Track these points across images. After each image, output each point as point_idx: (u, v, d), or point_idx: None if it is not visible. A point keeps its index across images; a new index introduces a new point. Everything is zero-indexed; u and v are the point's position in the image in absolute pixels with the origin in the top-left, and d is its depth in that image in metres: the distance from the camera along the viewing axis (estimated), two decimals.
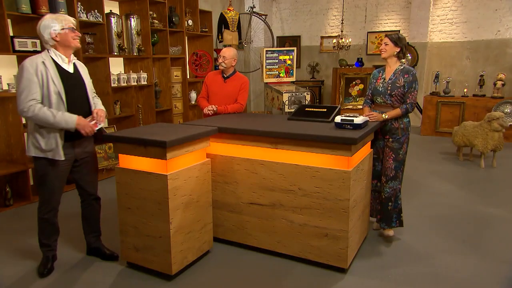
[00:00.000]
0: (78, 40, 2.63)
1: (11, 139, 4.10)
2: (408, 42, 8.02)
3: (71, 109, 2.57)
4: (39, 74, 2.48)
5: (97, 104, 2.80)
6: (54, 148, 2.55)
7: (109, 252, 2.96)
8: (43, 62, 2.50)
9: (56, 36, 2.52)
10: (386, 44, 3.08)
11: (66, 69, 2.61)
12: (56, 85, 2.51)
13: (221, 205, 3.11)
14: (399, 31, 8.45)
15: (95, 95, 2.86)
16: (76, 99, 2.63)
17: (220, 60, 3.74)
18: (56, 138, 2.55)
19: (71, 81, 2.61)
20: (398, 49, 3.05)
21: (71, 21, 2.59)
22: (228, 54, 3.72)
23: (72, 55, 2.69)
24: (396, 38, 3.05)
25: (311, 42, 9.47)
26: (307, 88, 7.16)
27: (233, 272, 2.80)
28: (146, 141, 2.53)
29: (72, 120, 2.53)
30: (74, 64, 2.69)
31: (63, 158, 2.58)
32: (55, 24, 2.51)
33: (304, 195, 2.74)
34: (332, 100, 8.20)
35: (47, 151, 2.55)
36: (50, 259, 2.81)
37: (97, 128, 2.66)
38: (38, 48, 4.06)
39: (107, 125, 5.41)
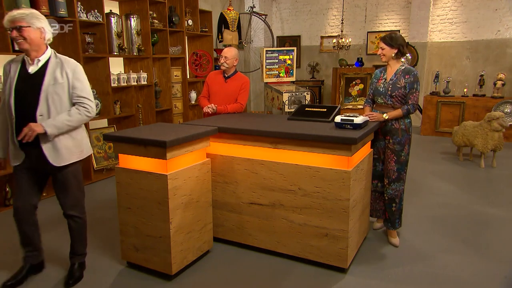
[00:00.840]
0: (21, 42, 2.33)
1: None
2: (408, 42, 8.02)
3: (18, 115, 2.40)
4: (6, 76, 2.46)
5: (61, 116, 2.41)
6: None
7: (76, 274, 2.68)
8: (9, 63, 2.48)
9: None
10: (382, 49, 3.04)
11: (28, 70, 2.43)
12: (11, 87, 2.41)
13: (221, 205, 3.11)
14: (399, 31, 8.45)
15: (81, 99, 2.48)
16: (23, 105, 2.40)
17: (221, 60, 3.74)
18: None
19: (26, 83, 2.41)
20: (395, 50, 3.00)
21: (12, 21, 2.30)
22: (230, 54, 3.72)
23: (49, 53, 2.46)
24: (389, 40, 2.99)
25: (311, 42, 9.47)
26: (307, 88, 7.16)
27: (233, 272, 2.80)
28: (146, 141, 2.53)
29: None
30: (46, 63, 2.43)
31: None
32: None
33: (304, 195, 2.74)
34: (332, 100, 8.20)
35: None
36: (24, 267, 2.64)
37: None
38: None
39: (106, 125, 5.42)
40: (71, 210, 2.63)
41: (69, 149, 2.50)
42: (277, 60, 6.57)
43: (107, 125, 5.43)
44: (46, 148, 2.43)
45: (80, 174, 2.66)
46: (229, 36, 7.39)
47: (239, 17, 7.55)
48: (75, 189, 2.61)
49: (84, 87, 2.51)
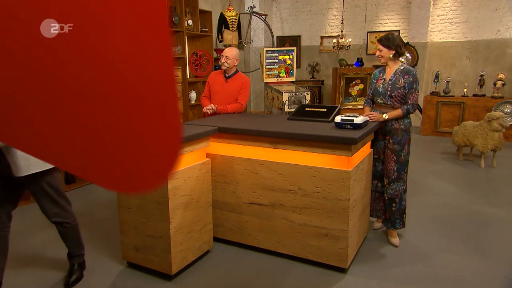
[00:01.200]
0: None
1: None
2: (407, 42, 8.02)
3: None
4: None
5: None
6: None
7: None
8: None
9: None
10: (380, 50, 3.03)
11: None
12: None
13: (221, 205, 3.11)
14: (398, 31, 8.45)
15: None
16: None
17: (222, 60, 3.73)
18: None
19: None
20: (393, 51, 2.99)
21: None
22: (231, 54, 3.72)
23: None
24: (386, 41, 2.97)
25: (311, 42, 9.47)
26: (307, 88, 7.16)
27: (233, 272, 2.80)
28: None
29: None
30: None
31: None
32: None
33: (304, 195, 2.74)
34: (332, 100, 8.20)
35: None
36: None
37: None
38: None
39: None
40: (55, 217, 2.55)
41: (28, 159, 2.34)
42: (277, 60, 6.57)
43: None
44: (8, 157, 2.33)
45: (57, 182, 2.54)
46: (229, 36, 7.39)
47: (239, 17, 7.55)
48: (54, 197, 2.51)
49: None
